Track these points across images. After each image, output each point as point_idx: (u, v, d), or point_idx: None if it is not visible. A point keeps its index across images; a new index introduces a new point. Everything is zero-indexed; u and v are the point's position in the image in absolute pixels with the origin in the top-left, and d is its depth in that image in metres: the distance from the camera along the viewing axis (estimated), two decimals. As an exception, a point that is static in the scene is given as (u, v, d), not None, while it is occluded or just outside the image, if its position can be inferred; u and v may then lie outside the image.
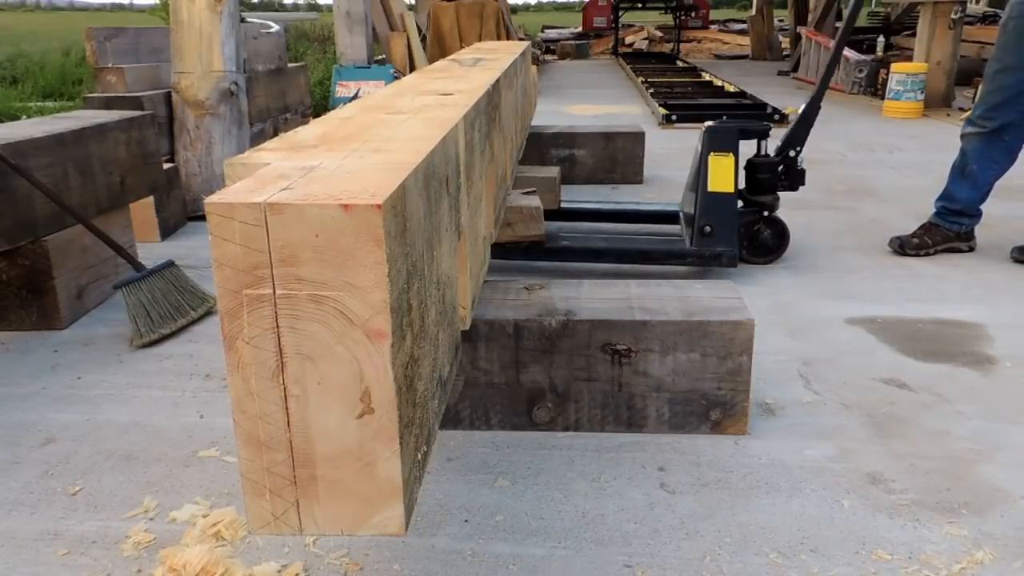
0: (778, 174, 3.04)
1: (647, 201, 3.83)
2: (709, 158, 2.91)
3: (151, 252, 3.12)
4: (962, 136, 3.19)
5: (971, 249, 3.23)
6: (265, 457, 0.95)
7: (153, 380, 2.18)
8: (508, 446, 1.82)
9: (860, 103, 7.75)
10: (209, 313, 2.61)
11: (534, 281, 2.03)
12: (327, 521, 0.96)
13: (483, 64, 2.59)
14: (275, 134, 5.13)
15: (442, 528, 1.54)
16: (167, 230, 3.52)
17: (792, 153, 3.03)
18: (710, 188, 2.90)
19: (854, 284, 2.89)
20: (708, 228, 2.88)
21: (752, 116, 6.51)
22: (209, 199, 0.87)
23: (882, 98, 7.20)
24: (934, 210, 3.26)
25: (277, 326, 0.90)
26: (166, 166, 3.45)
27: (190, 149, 3.80)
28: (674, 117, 6.58)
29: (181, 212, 3.69)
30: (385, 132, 1.25)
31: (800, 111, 3.10)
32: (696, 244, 2.90)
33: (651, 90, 8.28)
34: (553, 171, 3.43)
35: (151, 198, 3.28)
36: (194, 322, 2.54)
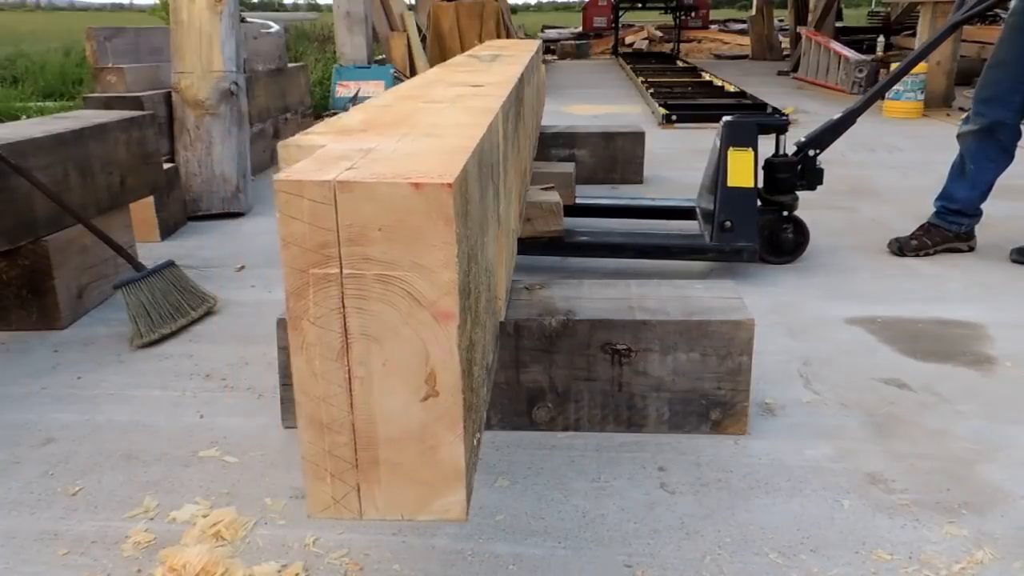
0: (797, 173, 3.03)
1: (663, 197, 3.82)
2: (728, 153, 2.89)
3: (151, 252, 3.12)
4: (958, 136, 3.19)
5: (971, 249, 3.22)
6: (327, 439, 0.94)
7: (153, 380, 2.18)
8: (508, 446, 1.82)
9: (860, 103, 7.75)
10: (209, 313, 2.61)
11: (535, 281, 2.03)
12: (388, 505, 0.95)
13: (502, 60, 2.60)
14: (275, 134, 5.13)
15: (442, 528, 1.54)
16: (167, 230, 3.52)
17: (811, 153, 3.02)
18: (729, 183, 2.88)
19: (854, 284, 2.89)
20: (728, 223, 2.86)
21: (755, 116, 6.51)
22: (277, 176, 0.86)
23: (882, 98, 7.20)
24: (934, 210, 3.25)
25: (343, 306, 0.89)
26: (166, 166, 3.45)
27: (190, 149, 3.80)
28: (674, 117, 6.57)
29: (181, 212, 3.69)
30: (429, 119, 1.25)
31: (833, 118, 3.08)
32: (716, 239, 2.88)
33: (651, 90, 8.27)
34: (569, 167, 3.44)
35: (151, 198, 3.27)
36: (194, 322, 2.54)
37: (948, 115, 6.92)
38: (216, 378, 2.19)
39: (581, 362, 1.83)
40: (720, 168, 2.90)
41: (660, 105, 6.89)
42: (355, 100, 7.14)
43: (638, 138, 4.44)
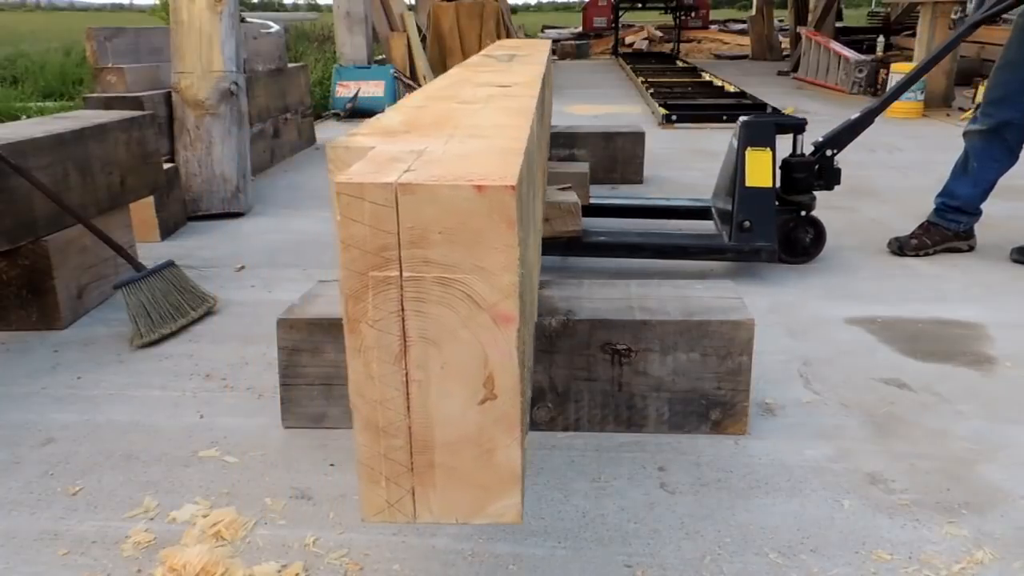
0: (814, 173, 3.02)
1: (677, 197, 3.81)
2: (746, 153, 2.89)
3: (151, 252, 3.12)
4: (964, 134, 3.19)
5: (971, 248, 3.22)
6: (383, 443, 0.93)
7: (153, 380, 2.18)
8: (508, 446, 1.82)
9: (860, 103, 7.76)
10: (209, 313, 2.61)
11: (534, 281, 2.03)
12: (442, 509, 0.95)
13: (519, 60, 2.60)
14: (275, 134, 5.13)
15: (442, 528, 1.54)
16: (167, 230, 3.52)
17: (829, 152, 3.02)
18: (748, 183, 2.88)
19: (854, 284, 2.89)
20: (747, 223, 2.86)
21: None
22: (339, 179, 0.86)
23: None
24: (934, 206, 3.25)
25: (402, 309, 0.88)
26: (166, 166, 3.44)
27: (190, 149, 3.80)
28: (674, 117, 6.58)
29: (181, 212, 3.69)
30: (468, 120, 1.25)
31: (851, 117, 3.08)
32: (735, 239, 2.88)
33: (651, 90, 8.28)
34: (583, 167, 3.44)
35: (151, 198, 3.27)
36: (194, 322, 2.54)
37: (948, 115, 6.92)
38: (216, 378, 2.19)
39: (581, 362, 1.83)
40: (738, 168, 2.90)
41: (660, 105, 6.89)
42: (354, 100, 7.15)
43: (638, 138, 4.44)
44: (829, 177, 3.04)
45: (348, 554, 1.46)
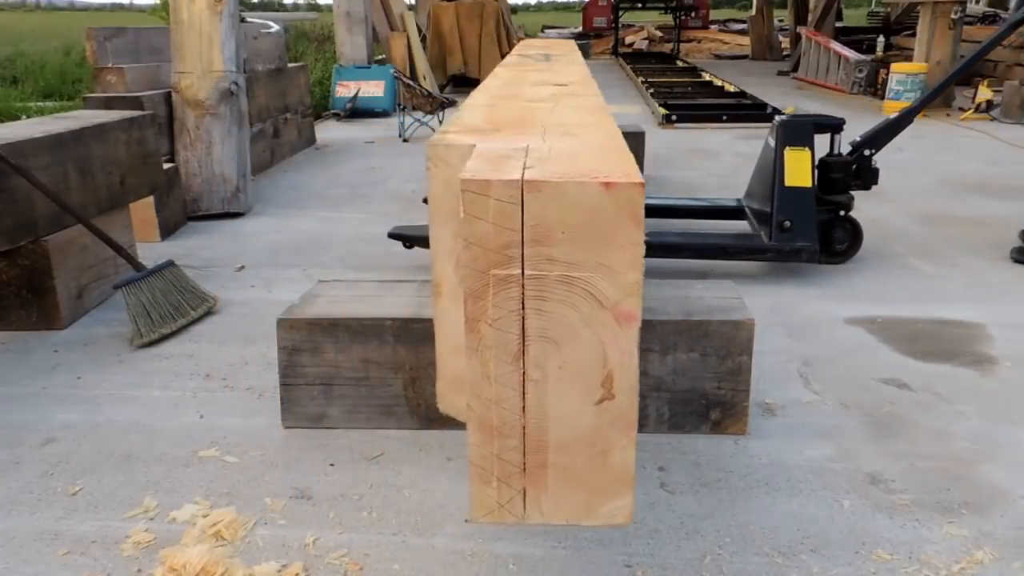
0: (851, 173, 3.01)
1: (708, 197, 3.80)
2: (785, 152, 2.88)
3: (151, 252, 3.11)
4: None
5: None
6: (496, 443, 0.92)
7: (153, 380, 2.18)
8: (508, 446, 1.82)
9: (860, 103, 7.76)
10: (209, 313, 2.61)
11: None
12: (553, 510, 0.94)
13: (556, 59, 2.59)
14: (275, 134, 5.12)
15: (442, 528, 1.54)
16: (167, 230, 3.52)
17: (866, 152, 3.02)
18: (787, 183, 2.87)
19: (854, 284, 2.89)
20: (787, 223, 2.85)
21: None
22: (464, 176, 0.85)
23: (882, 98, 7.19)
24: None
25: (523, 308, 0.87)
26: (166, 166, 3.45)
27: (190, 149, 3.80)
28: (674, 117, 6.57)
29: (181, 212, 3.69)
30: (549, 118, 1.24)
31: (889, 118, 3.07)
32: (775, 239, 2.87)
33: (651, 90, 8.28)
34: None
35: (151, 198, 3.27)
36: (194, 322, 2.54)
37: (948, 115, 6.92)
38: (216, 378, 2.19)
39: (581, 362, 1.82)
40: (777, 168, 2.88)
41: (660, 105, 6.89)
42: (354, 100, 7.14)
43: (638, 138, 4.43)
44: (867, 177, 3.03)
45: (348, 554, 1.46)
